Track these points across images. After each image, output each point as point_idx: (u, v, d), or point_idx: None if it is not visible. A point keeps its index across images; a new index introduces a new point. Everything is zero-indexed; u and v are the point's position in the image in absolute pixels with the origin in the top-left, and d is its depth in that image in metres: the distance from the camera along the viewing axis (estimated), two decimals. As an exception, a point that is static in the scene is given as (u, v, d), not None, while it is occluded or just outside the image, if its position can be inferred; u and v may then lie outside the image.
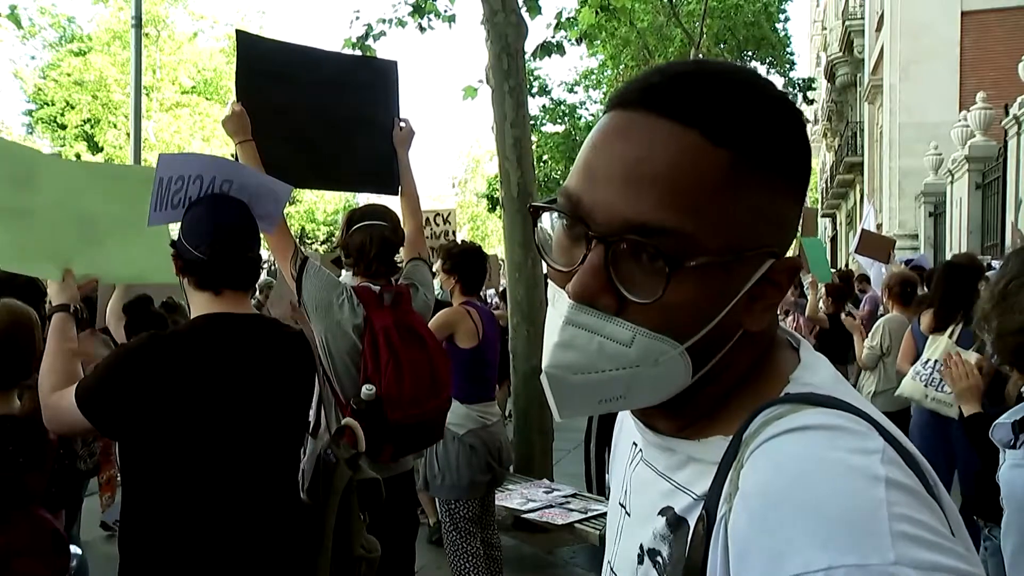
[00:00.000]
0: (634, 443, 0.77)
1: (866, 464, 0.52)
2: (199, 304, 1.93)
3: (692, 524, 0.61)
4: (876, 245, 7.73)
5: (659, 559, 0.66)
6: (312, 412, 2.63)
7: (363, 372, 2.55)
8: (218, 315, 1.91)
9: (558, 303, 0.64)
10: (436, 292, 3.63)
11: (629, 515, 0.74)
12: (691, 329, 0.61)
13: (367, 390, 2.48)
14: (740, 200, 0.60)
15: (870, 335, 4.97)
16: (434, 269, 3.66)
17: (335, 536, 2.02)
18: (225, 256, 1.91)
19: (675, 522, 0.64)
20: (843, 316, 5.35)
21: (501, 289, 8.49)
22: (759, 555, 0.51)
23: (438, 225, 6.38)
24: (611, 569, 0.75)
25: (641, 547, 0.68)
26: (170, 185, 1.96)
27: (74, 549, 2.17)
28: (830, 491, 0.51)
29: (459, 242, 4.39)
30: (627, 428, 0.81)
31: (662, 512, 0.66)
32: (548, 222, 0.67)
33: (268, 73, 2.79)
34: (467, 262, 3.78)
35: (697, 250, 0.59)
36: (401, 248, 2.91)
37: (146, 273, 2.61)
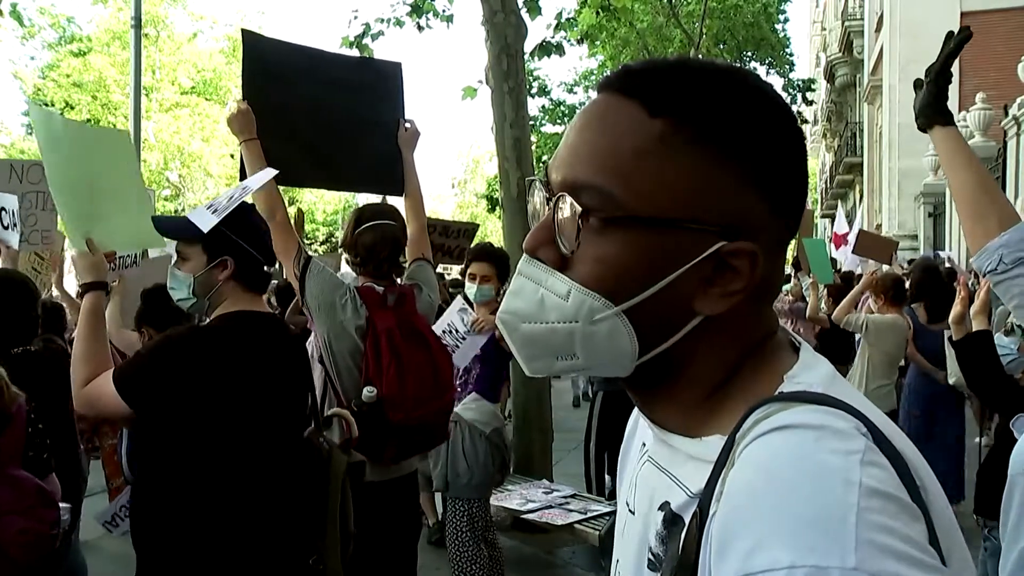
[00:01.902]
0: (643, 443, 0.78)
1: (844, 466, 0.52)
2: (240, 302, 2.08)
3: (687, 522, 0.61)
4: (877, 246, 7.65)
5: (657, 556, 0.66)
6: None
7: (364, 373, 2.54)
8: (259, 313, 2.11)
9: None
10: (493, 295, 3.67)
11: (633, 513, 0.75)
12: (622, 291, 0.63)
13: (368, 392, 2.48)
14: (674, 170, 0.62)
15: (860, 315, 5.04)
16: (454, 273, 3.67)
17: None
18: (271, 262, 2.17)
19: (672, 519, 0.65)
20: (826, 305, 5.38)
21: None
22: (734, 552, 0.52)
23: (452, 238, 5.76)
24: (619, 569, 0.76)
25: (644, 544, 0.69)
26: (235, 191, 2.14)
27: (63, 504, 2.18)
28: (804, 492, 0.51)
29: (493, 244, 4.39)
30: (640, 428, 0.82)
31: (661, 507, 0.67)
32: (537, 195, 0.74)
33: (273, 73, 2.79)
34: (508, 267, 3.86)
35: (614, 207, 0.63)
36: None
37: (141, 239, 2.59)
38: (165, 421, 1.92)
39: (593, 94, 0.70)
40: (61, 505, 2.18)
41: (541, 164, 20.63)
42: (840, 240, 9.83)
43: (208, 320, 2.08)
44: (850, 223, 10.20)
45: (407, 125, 3.04)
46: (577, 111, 0.71)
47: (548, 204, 0.67)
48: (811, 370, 0.65)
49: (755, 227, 0.64)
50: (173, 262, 2.15)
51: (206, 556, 1.90)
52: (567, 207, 0.65)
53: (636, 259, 0.63)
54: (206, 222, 2.05)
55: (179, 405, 1.88)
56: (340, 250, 2.96)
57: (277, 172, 2.42)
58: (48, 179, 2.28)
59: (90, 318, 2.05)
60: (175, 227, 2.22)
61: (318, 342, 2.62)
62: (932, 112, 1.78)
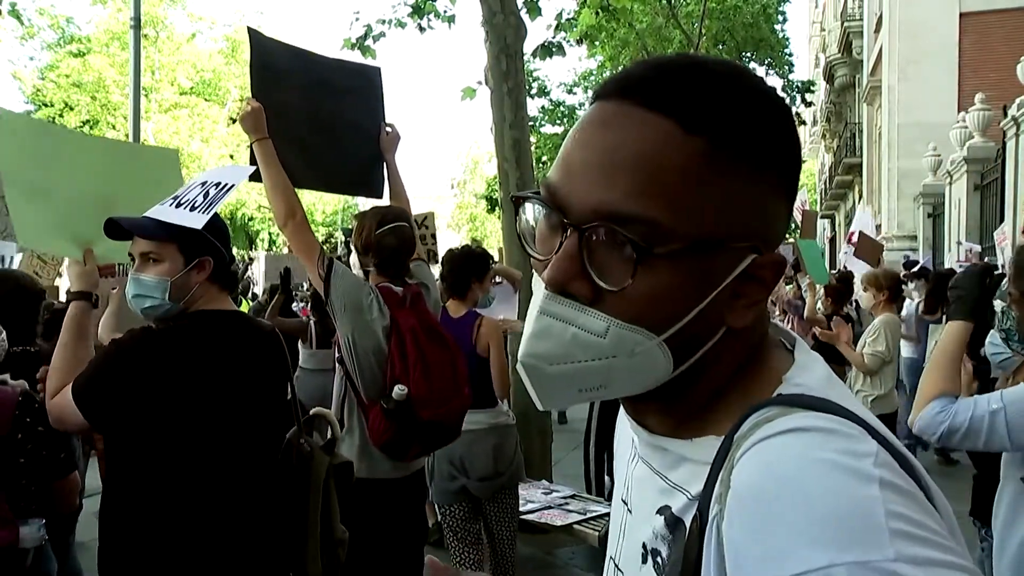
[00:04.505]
0: (632, 441, 0.77)
1: (859, 465, 0.52)
2: (213, 302, 1.99)
3: (688, 525, 0.61)
4: (870, 251, 8.04)
5: (659, 559, 0.66)
6: (334, 411, 2.67)
7: (391, 372, 2.56)
8: (224, 311, 2.01)
9: (536, 292, 0.64)
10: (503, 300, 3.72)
11: (631, 512, 0.74)
12: (667, 321, 0.61)
13: (399, 390, 2.50)
14: (715, 189, 0.59)
15: (872, 340, 4.96)
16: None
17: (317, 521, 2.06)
18: (233, 259, 2.09)
19: (673, 523, 0.64)
20: (818, 331, 5.35)
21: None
22: (755, 556, 0.51)
23: (418, 230, 6.46)
24: (616, 566, 0.75)
25: (644, 545, 0.68)
26: (208, 189, 2.03)
27: (34, 520, 2.14)
28: (823, 491, 0.50)
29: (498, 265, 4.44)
30: (627, 425, 0.80)
31: (660, 511, 0.66)
32: (531, 213, 0.67)
33: (275, 72, 2.80)
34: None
35: (667, 238, 0.58)
36: None
37: None
38: (125, 431, 1.83)
39: (591, 95, 0.66)
40: (32, 521, 2.15)
41: (541, 164, 20.64)
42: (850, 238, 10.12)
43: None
44: (850, 222, 10.48)
45: (388, 129, 3.07)
46: (582, 118, 0.65)
47: (565, 231, 0.61)
48: (808, 372, 0.65)
49: (776, 235, 0.65)
50: (135, 267, 1.95)
51: (177, 558, 1.81)
52: (606, 238, 0.59)
53: (681, 287, 0.60)
54: (195, 220, 1.93)
55: (135, 414, 1.79)
56: (349, 250, 2.98)
57: (255, 168, 2.46)
58: (30, 188, 2.25)
59: (72, 328, 1.98)
60: (145, 227, 1.96)
61: (340, 342, 2.62)
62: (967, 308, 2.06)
